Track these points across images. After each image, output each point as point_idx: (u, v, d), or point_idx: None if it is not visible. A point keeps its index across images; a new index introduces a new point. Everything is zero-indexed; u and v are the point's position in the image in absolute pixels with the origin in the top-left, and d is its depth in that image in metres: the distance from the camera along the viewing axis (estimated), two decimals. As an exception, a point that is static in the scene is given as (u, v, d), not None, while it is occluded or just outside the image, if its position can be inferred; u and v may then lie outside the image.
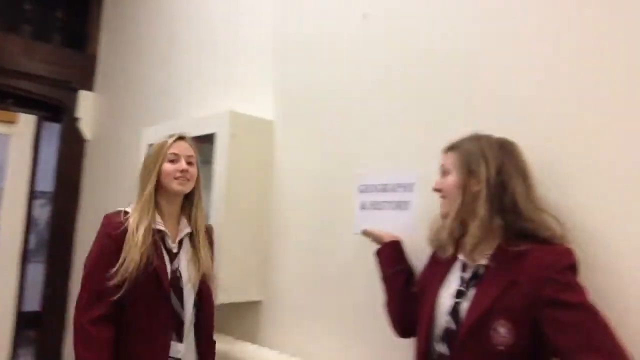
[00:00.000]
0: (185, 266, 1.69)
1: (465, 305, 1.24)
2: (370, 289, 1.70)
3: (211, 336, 1.81)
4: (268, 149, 2.19)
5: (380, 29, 1.87)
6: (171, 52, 2.97)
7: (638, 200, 1.21)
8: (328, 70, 2.04)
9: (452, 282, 1.33)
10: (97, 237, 1.67)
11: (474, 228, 1.25)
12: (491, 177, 1.24)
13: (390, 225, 1.68)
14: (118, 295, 1.56)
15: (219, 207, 2.06)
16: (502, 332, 1.16)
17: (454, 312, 1.26)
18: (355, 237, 1.79)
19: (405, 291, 1.50)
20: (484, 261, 1.26)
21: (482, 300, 1.21)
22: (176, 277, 1.66)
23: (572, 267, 1.15)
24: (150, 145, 1.76)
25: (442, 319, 1.29)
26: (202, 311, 1.75)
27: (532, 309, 1.14)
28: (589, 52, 1.33)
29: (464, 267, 1.32)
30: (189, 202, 1.76)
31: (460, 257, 1.34)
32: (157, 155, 1.69)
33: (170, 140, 1.71)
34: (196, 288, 1.71)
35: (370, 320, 1.72)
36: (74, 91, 3.70)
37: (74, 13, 3.83)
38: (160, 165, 1.67)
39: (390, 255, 1.56)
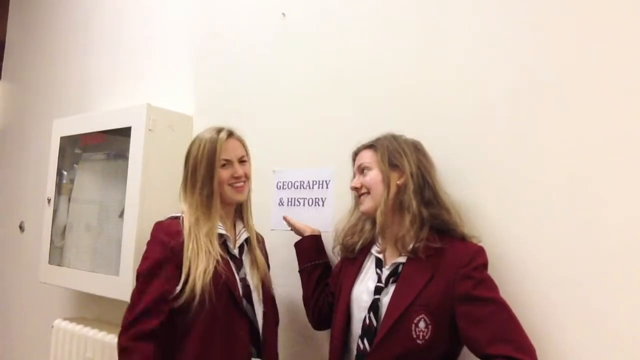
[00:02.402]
0: (249, 273, 1.51)
1: (385, 301, 1.27)
2: (286, 282, 1.73)
3: (276, 347, 1.57)
4: (187, 145, 2.15)
5: (299, 28, 1.90)
6: (87, 41, 2.84)
7: (533, 201, 1.32)
8: (247, 67, 2.04)
9: (368, 279, 1.35)
10: (149, 248, 1.43)
11: (407, 221, 1.28)
12: (413, 171, 1.31)
13: (306, 222, 1.71)
14: (187, 315, 1.34)
15: (133, 202, 2.01)
16: (421, 326, 1.20)
17: (374, 308, 1.27)
18: (273, 233, 1.81)
19: (321, 285, 1.55)
20: (402, 258, 1.30)
21: (403, 296, 1.23)
22: (246, 285, 1.46)
23: (485, 265, 1.24)
24: (196, 140, 1.51)
25: (360, 315, 1.30)
26: (269, 320, 1.53)
27: (449, 304, 1.20)
28: (499, 59, 1.42)
29: (379, 264, 1.35)
30: (241, 204, 1.57)
31: (375, 253, 1.37)
32: (209, 158, 1.46)
33: (220, 141, 1.48)
34: (261, 295, 1.51)
35: (287, 313, 1.75)
36: (-22, 78, 3.45)
37: (-22, -7, 3.56)
38: (213, 170, 1.46)
39: (309, 248, 1.60)
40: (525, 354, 1.11)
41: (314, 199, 1.75)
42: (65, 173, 2.52)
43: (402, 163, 1.32)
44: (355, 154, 1.44)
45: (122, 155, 2.20)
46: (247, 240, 1.55)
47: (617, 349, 1.17)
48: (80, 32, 2.90)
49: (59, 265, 2.42)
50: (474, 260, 1.22)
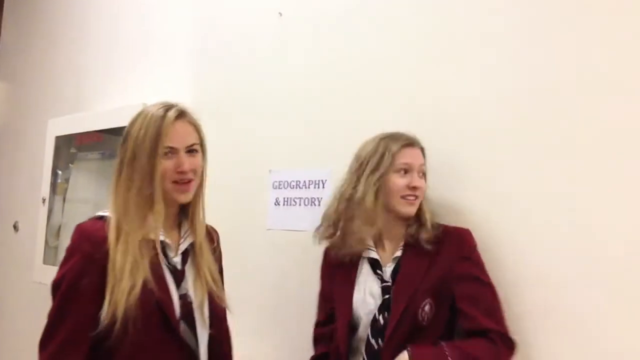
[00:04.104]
0: (192, 286, 1.21)
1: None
2: (281, 283, 1.73)
3: None
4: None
5: (296, 28, 1.89)
6: (82, 40, 2.83)
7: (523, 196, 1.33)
8: (245, 67, 2.04)
9: (368, 283, 1.34)
10: (68, 258, 1.14)
11: (426, 221, 1.33)
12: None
13: (302, 221, 1.71)
14: (106, 344, 1.08)
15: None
16: (427, 310, 1.26)
17: (386, 308, 1.28)
18: (269, 233, 1.81)
19: None
20: (399, 252, 1.33)
21: (407, 285, 1.27)
22: (187, 304, 1.17)
23: (476, 245, 1.31)
24: (140, 115, 1.18)
25: (368, 318, 1.30)
26: (216, 341, 1.25)
27: (449, 284, 1.27)
28: (491, 59, 1.43)
29: (376, 265, 1.35)
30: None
31: (374, 255, 1.36)
32: (151, 143, 1.13)
33: (167, 122, 1.14)
34: (207, 313, 1.22)
35: (282, 312, 1.75)
36: (-28, 77, 3.43)
37: (-28, -8, 3.53)
38: (155, 160, 1.13)
39: None
40: (506, 330, 1.23)
41: (310, 199, 1.75)
42: (60, 172, 2.52)
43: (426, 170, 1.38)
44: (409, 145, 1.35)
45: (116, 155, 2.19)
46: (191, 245, 1.24)
47: (598, 354, 1.19)
48: (76, 31, 2.89)
49: (53, 265, 2.41)
50: (469, 242, 1.31)
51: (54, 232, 2.48)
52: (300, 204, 1.77)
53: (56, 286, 1.13)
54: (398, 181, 1.31)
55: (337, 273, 1.40)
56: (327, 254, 1.45)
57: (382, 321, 1.27)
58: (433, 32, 1.54)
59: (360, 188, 1.31)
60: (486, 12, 1.43)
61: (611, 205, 1.19)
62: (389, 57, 1.63)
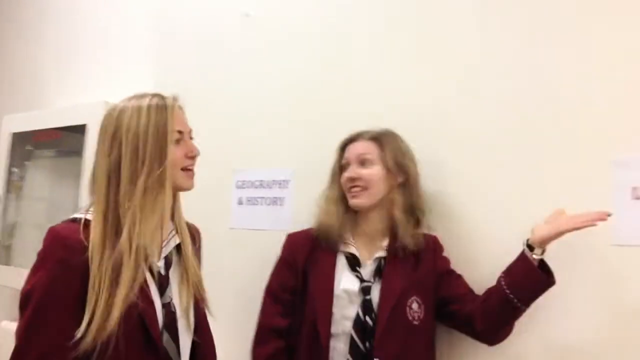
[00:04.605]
0: (177, 293, 1.12)
1: (374, 297, 1.29)
2: (243, 282, 1.73)
3: None
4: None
5: (261, 27, 1.90)
6: (40, 35, 2.75)
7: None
8: (209, 66, 2.03)
9: (345, 279, 1.32)
10: (40, 265, 1.00)
11: (406, 220, 1.33)
12: (414, 173, 1.37)
13: (265, 221, 1.72)
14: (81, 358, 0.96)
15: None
16: (415, 307, 1.28)
17: (367, 309, 1.27)
18: (232, 231, 1.81)
19: None
20: (382, 252, 1.34)
21: (393, 287, 1.28)
22: (170, 312, 1.08)
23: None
24: (125, 110, 1.06)
25: (342, 313, 1.29)
26: (200, 347, 1.17)
27: (434, 281, 1.33)
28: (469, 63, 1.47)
29: (354, 262, 1.34)
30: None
31: (350, 250, 1.36)
32: (160, 130, 1.06)
33: (172, 107, 1.09)
34: (192, 319, 1.14)
35: (243, 310, 1.74)
36: None
37: None
38: (166, 147, 1.06)
39: None
40: None
41: (272, 199, 1.76)
42: (15, 170, 2.45)
43: (408, 165, 1.36)
44: (350, 142, 1.40)
45: (76, 152, 2.15)
46: (177, 246, 1.15)
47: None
48: (33, 26, 2.81)
49: (6, 264, 2.35)
50: (440, 243, 1.40)
51: (8, 230, 2.41)
52: (263, 204, 1.78)
53: (26, 298, 0.97)
54: (342, 177, 1.38)
55: (313, 265, 1.36)
56: (294, 243, 1.43)
57: (370, 323, 1.26)
58: (400, 31, 1.57)
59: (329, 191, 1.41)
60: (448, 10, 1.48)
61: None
62: (354, 58, 1.66)
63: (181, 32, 2.15)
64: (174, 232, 1.14)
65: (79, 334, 0.93)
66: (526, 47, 1.36)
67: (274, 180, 1.76)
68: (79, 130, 2.05)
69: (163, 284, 1.09)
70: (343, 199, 1.38)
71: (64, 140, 2.29)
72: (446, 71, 1.47)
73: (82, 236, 0.99)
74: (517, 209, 1.32)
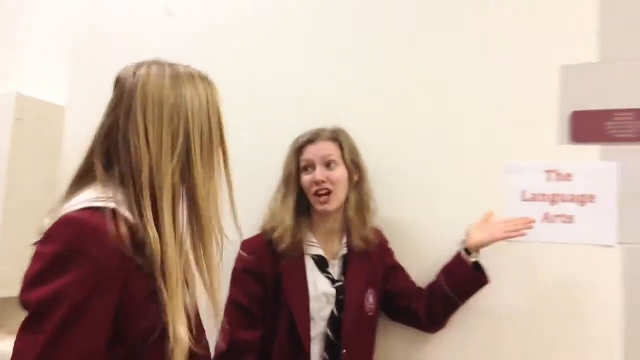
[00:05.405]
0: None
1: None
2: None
3: None
4: (58, 137, 2.07)
5: (184, 24, 1.91)
6: None
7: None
8: (126, 63, 2.02)
9: (322, 284, 1.34)
10: (64, 264, 0.73)
11: (367, 217, 1.39)
12: (365, 169, 1.41)
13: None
14: None
15: (-1, 196, 1.88)
16: (371, 300, 1.37)
17: (340, 307, 1.32)
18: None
19: None
20: (344, 250, 1.38)
21: (358, 283, 1.35)
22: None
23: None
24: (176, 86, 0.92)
25: (319, 315, 1.32)
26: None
27: (383, 275, 1.42)
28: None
29: (322, 263, 1.36)
30: None
31: (320, 252, 1.37)
32: (217, 108, 0.96)
33: (215, 94, 0.97)
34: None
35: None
36: None
37: None
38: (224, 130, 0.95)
39: None
40: None
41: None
42: None
43: (361, 162, 1.40)
44: (309, 142, 1.36)
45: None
46: None
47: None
48: None
49: None
50: (385, 238, 1.49)
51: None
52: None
53: (47, 307, 0.73)
54: (305, 179, 1.34)
55: (283, 271, 1.33)
56: (254, 251, 1.33)
57: (338, 316, 1.32)
58: (331, 28, 1.70)
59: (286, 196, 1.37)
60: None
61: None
62: (283, 58, 1.74)
63: (97, 27, 2.10)
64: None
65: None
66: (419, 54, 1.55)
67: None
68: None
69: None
70: (300, 202, 1.37)
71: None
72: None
73: (123, 231, 0.77)
74: (435, 203, 1.51)
